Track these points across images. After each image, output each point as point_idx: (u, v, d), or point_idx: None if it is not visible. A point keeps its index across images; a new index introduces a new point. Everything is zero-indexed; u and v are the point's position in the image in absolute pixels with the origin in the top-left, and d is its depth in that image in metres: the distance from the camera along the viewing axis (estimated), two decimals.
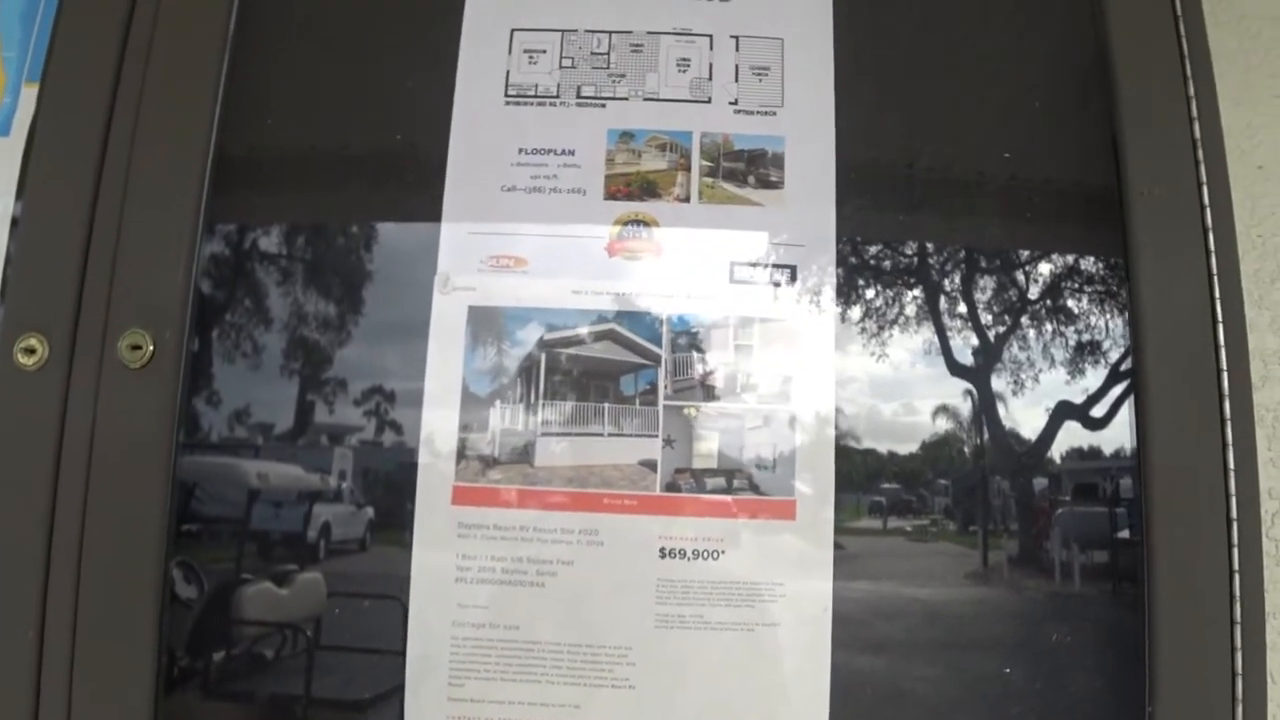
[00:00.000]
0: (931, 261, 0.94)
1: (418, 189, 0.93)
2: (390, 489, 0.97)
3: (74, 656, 0.85)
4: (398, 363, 0.90)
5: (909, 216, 0.93)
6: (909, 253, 0.93)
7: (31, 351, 0.90)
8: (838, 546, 0.87)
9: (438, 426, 0.87)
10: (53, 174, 0.94)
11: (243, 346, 0.95)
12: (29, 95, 1.00)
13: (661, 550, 0.86)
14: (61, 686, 0.84)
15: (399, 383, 0.90)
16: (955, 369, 0.92)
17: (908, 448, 0.93)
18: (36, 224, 0.93)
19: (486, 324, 0.89)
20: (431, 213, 0.91)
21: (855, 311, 0.91)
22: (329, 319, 0.94)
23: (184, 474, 0.91)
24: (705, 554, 0.86)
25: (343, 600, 0.98)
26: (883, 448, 0.90)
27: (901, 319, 0.91)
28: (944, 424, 0.93)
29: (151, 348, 0.88)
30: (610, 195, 0.91)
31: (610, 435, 0.88)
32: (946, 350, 0.94)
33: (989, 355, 0.95)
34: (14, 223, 0.96)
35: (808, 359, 0.89)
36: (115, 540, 0.85)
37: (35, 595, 0.85)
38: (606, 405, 0.88)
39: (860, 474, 0.89)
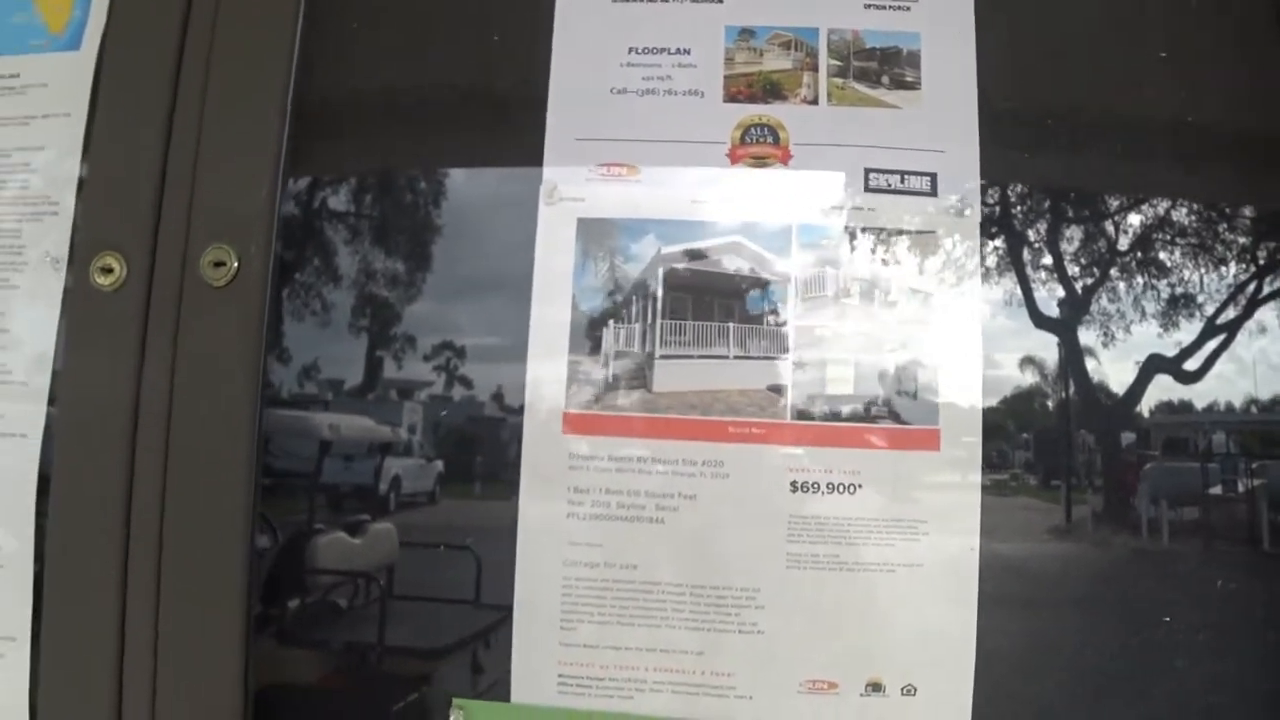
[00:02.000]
0: (1083, 169, 0.84)
1: (519, 94, 0.85)
2: (487, 426, 0.90)
3: (159, 592, 0.79)
4: (502, 285, 0.81)
5: (1058, 120, 0.83)
6: (1057, 160, 0.83)
7: (109, 271, 0.84)
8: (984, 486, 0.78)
9: (546, 349, 0.80)
10: (127, 86, 0.88)
11: (329, 270, 0.88)
12: (99, 6, 0.93)
13: (793, 484, 0.78)
14: (148, 618, 0.78)
15: (505, 307, 0.82)
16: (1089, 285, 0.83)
17: (1050, 365, 0.84)
18: (111, 138, 0.87)
19: (597, 237, 0.81)
20: (535, 119, 0.83)
21: (1001, 223, 0.81)
22: (425, 235, 0.86)
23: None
24: (841, 488, 0.78)
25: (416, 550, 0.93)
26: (1032, 370, 0.81)
27: (1049, 230, 0.82)
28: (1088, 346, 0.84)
29: (236, 264, 0.81)
30: (730, 97, 0.83)
31: (736, 358, 0.79)
32: (1095, 264, 0.85)
33: (1125, 271, 0.86)
34: (88, 139, 0.89)
35: (951, 274, 0.80)
36: (201, 466, 0.79)
37: (118, 528, 0.79)
38: (731, 325, 0.80)
39: (1009, 400, 0.80)
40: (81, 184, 0.89)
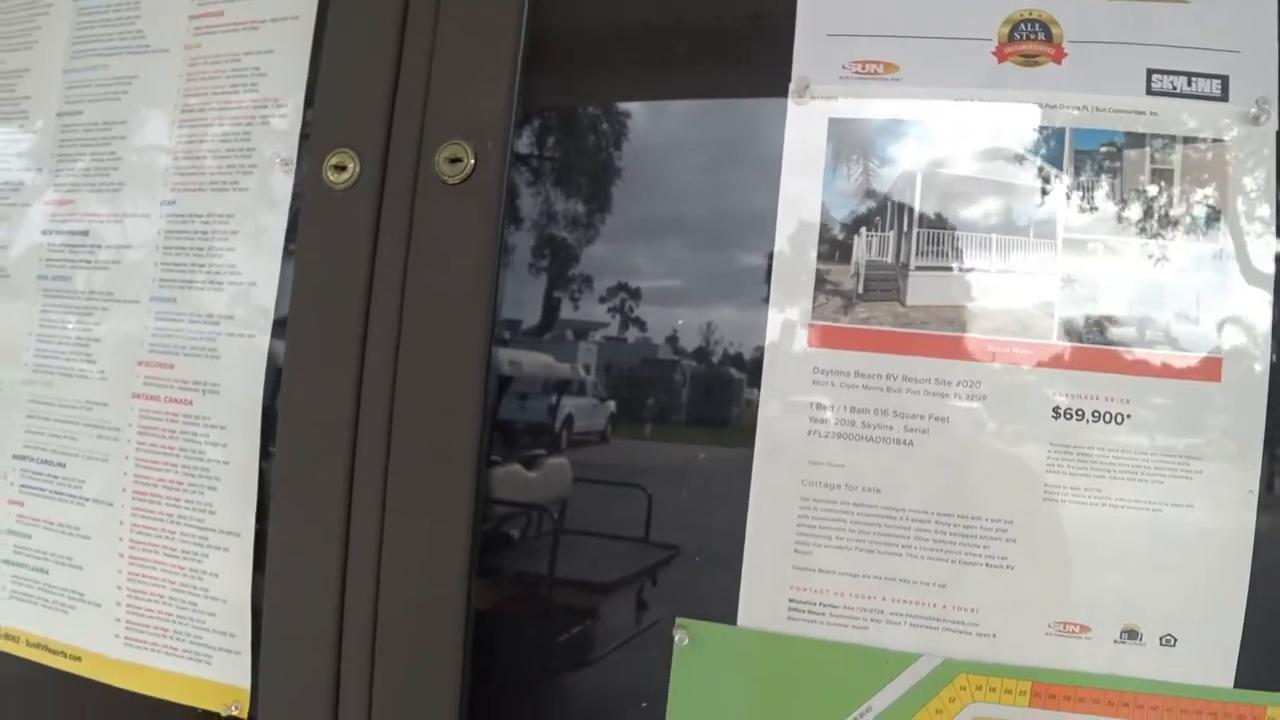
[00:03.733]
0: None
1: None
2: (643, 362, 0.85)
3: (385, 498, 0.77)
4: (747, 189, 0.76)
5: None
6: None
7: (342, 169, 0.82)
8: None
9: (793, 254, 0.74)
10: None
11: (568, 176, 0.83)
12: None
13: (1055, 410, 0.71)
14: (374, 524, 0.76)
15: (749, 215, 0.76)
16: None
17: None
18: (344, 35, 0.85)
19: (851, 139, 0.75)
20: (785, 11, 0.76)
21: None
22: (665, 132, 0.81)
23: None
24: (1108, 417, 0.71)
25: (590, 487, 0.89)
26: None
27: None
28: None
29: (473, 160, 0.78)
30: None
31: (999, 272, 0.73)
32: None
33: None
34: (317, 41, 0.87)
35: (1242, 189, 0.71)
36: (431, 369, 0.76)
37: (346, 431, 0.78)
38: (994, 236, 0.73)
39: None
40: (311, 85, 0.87)
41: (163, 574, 0.88)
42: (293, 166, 0.86)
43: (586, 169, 0.86)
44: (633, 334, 0.88)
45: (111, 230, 0.93)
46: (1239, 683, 0.72)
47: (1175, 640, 0.73)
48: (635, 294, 0.87)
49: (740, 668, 0.77)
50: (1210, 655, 0.72)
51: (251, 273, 0.87)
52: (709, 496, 0.82)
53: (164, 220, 0.91)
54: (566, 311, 0.90)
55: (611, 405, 0.94)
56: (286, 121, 0.88)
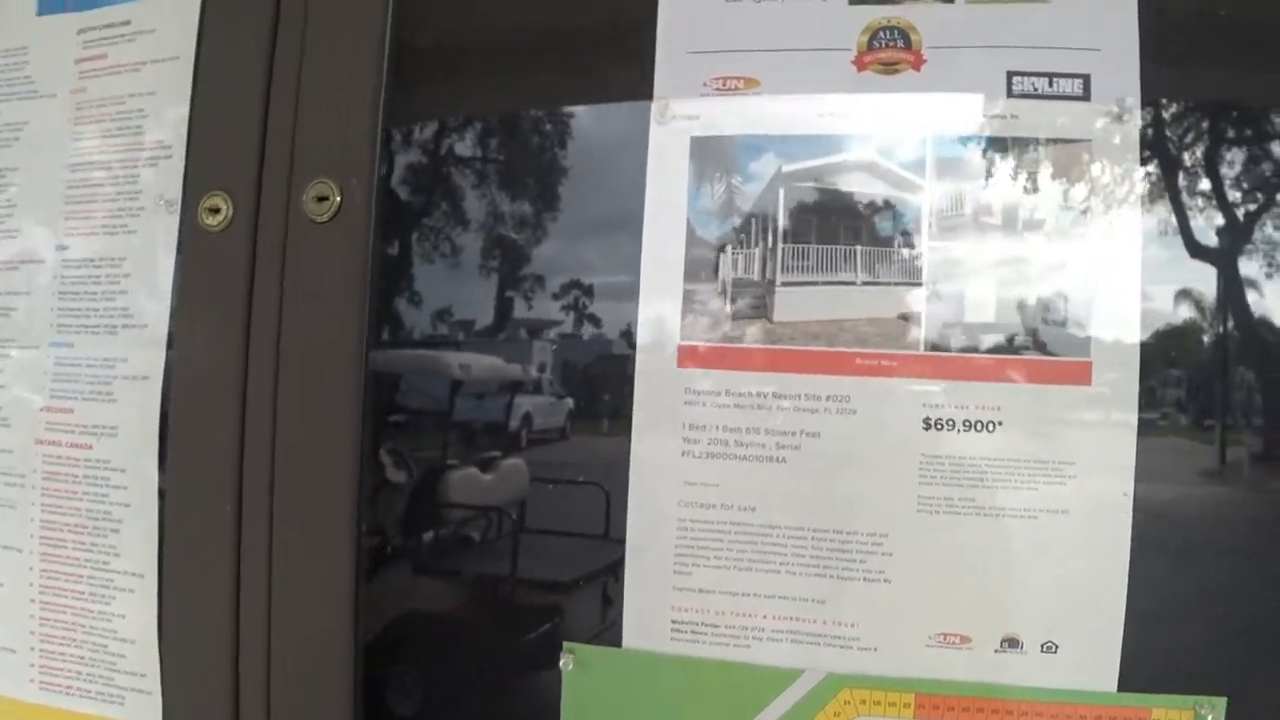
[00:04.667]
0: (1259, 72, 0.72)
1: (627, 7, 0.77)
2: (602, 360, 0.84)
3: (272, 531, 0.77)
4: (612, 211, 0.75)
5: (1230, 12, 0.71)
6: (1228, 58, 0.72)
7: (216, 211, 0.82)
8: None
9: (659, 278, 0.74)
10: (228, 25, 0.85)
11: (435, 201, 0.83)
12: None
13: (926, 421, 0.70)
14: (263, 557, 0.76)
15: (614, 234, 0.75)
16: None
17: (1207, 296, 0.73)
18: (214, 79, 0.85)
19: (713, 156, 0.74)
20: (643, 31, 0.75)
21: (1164, 129, 0.71)
22: (529, 161, 0.80)
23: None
24: (979, 425, 0.70)
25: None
26: (1193, 300, 0.71)
27: (1220, 140, 0.70)
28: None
29: (339, 198, 0.78)
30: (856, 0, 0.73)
31: (864, 284, 0.72)
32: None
33: None
34: (195, 81, 0.86)
35: (1106, 189, 0.70)
36: (310, 403, 0.77)
37: (231, 468, 0.78)
38: (859, 248, 0.72)
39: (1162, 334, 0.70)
40: (190, 126, 0.87)
41: (73, 618, 0.88)
42: (178, 208, 0.86)
43: (455, 189, 0.86)
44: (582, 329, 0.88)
45: (9, 276, 0.93)
46: (1122, 686, 0.71)
47: (1056, 647, 0.71)
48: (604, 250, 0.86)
49: (627, 690, 0.76)
50: (1092, 660, 0.71)
51: (143, 315, 0.87)
52: None
53: (60, 265, 0.91)
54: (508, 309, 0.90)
55: (569, 402, 0.94)
56: (171, 163, 0.88)
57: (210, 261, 0.80)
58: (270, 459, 0.77)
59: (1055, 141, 0.73)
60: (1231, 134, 0.80)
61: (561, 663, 0.76)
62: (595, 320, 0.88)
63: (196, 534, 0.80)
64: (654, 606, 0.74)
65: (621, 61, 0.78)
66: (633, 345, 0.74)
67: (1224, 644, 0.76)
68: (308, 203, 0.78)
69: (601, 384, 0.88)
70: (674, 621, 0.74)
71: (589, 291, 0.87)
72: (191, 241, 0.82)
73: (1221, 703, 0.70)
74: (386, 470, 0.92)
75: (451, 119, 0.84)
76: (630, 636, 0.75)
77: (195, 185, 0.83)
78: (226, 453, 0.79)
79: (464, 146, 0.89)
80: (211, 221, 0.81)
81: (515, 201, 0.89)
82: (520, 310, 0.91)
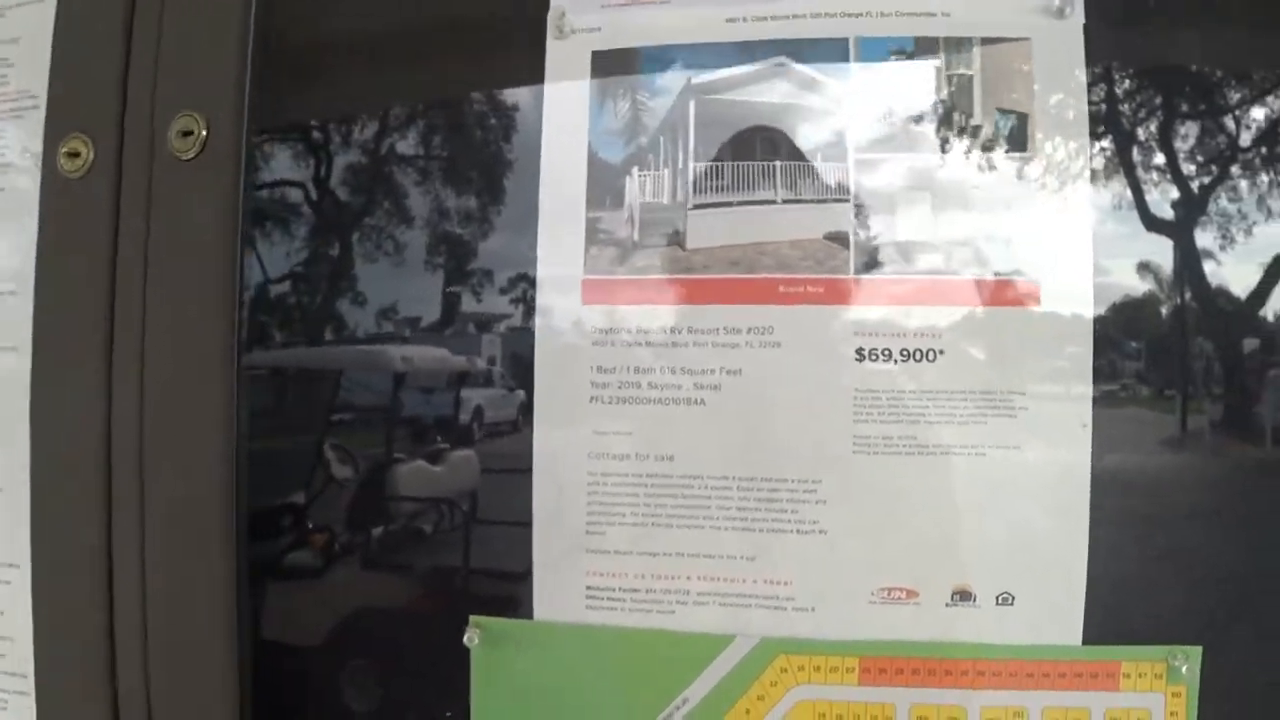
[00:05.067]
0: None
1: None
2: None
3: (143, 508, 0.69)
4: (504, 140, 0.68)
5: None
6: None
7: (75, 155, 0.74)
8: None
9: (558, 205, 0.66)
10: None
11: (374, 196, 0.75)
12: None
13: (859, 351, 0.63)
14: (134, 538, 0.69)
15: (506, 167, 0.68)
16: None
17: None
18: (73, 16, 0.76)
19: (616, 70, 0.66)
20: None
21: (1115, 28, 0.64)
22: (412, 79, 0.73)
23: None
24: (918, 354, 0.63)
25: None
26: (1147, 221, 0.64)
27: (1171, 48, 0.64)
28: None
29: (204, 131, 0.70)
30: None
31: (785, 203, 0.64)
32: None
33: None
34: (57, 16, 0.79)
35: (1048, 93, 0.63)
36: (180, 351, 0.68)
37: (99, 435, 0.69)
38: (778, 164, 0.65)
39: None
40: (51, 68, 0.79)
41: None
42: (40, 158, 0.78)
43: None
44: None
45: None
46: (1087, 639, 0.64)
47: (1013, 598, 0.64)
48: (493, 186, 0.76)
49: (542, 665, 0.68)
50: (1053, 612, 0.63)
51: (10, 280, 0.79)
52: None
53: None
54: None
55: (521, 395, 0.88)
56: (36, 113, 0.80)
57: (70, 211, 0.72)
58: (139, 427, 0.69)
59: (991, 41, 0.66)
60: (1183, 48, 0.74)
61: (466, 638, 0.69)
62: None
63: (64, 518, 0.73)
64: (565, 572, 0.66)
65: None
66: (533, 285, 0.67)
67: (1198, 591, 0.69)
68: (172, 139, 0.70)
69: None
70: (589, 588, 0.66)
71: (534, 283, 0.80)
72: (50, 190, 0.73)
73: (1196, 652, 0.63)
74: (331, 467, 0.85)
75: (329, 44, 0.76)
76: (542, 607, 0.67)
77: (54, 130, 0.74)
78: (92, 422, 0.71)
79: (338, 74, 0.81)
80: (71, 167, 0.73)
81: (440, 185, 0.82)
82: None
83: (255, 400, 0.76)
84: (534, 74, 0.68)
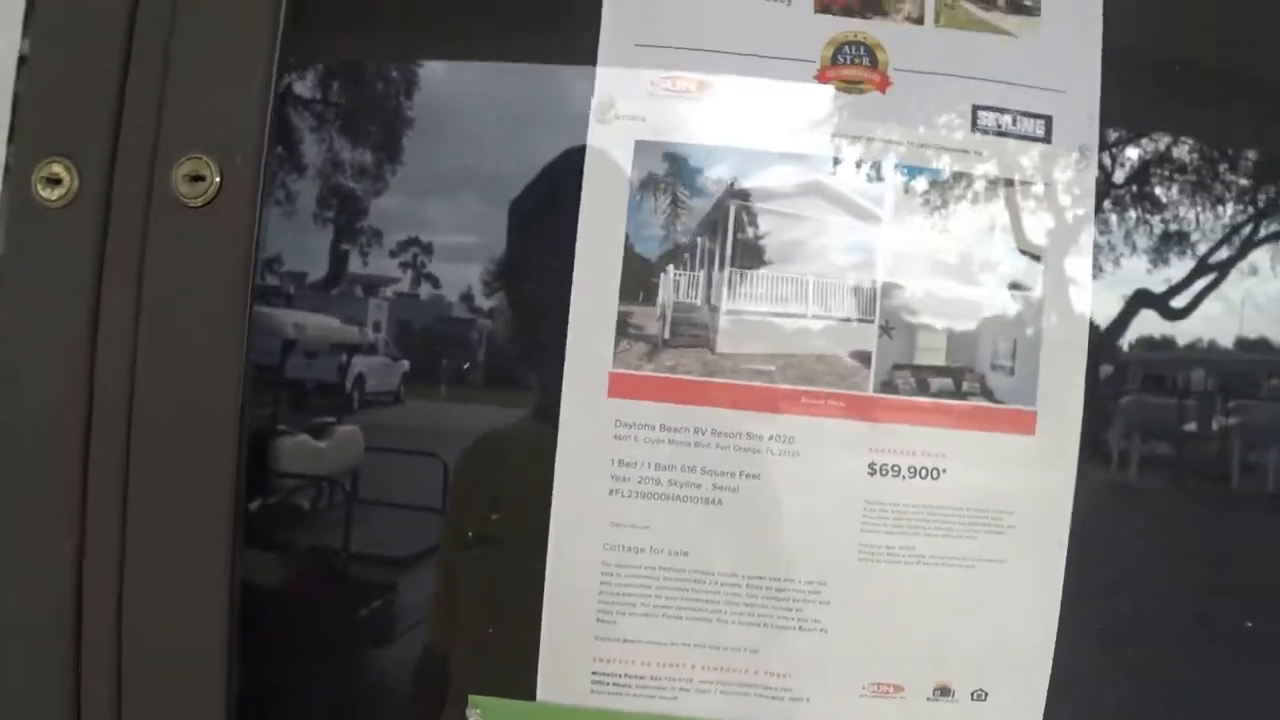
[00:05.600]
0: (1217, 116, 0.71)
1: None
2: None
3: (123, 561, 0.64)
4: (551, 212, 0.66)
5: (1194, 60, 0.69)
6: (1188, 106, 0.70)
7: (56, 182, 0.66)
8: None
9: (592, 295, 0.65)
10: None
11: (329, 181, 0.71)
12: None
13: (871, 466, 0.66)
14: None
15: (548, 237, 0.66)
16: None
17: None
18: (57, 18, 0.68)
19: (659, 164, 0.66)
20: (587, 19, 0.66)
21: (1123, 177, 0.68)
22: (455, 152, 0.70)
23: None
24: (924, 472, 0.66)
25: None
26: (1146, 354, 0.69)
27: (1182, 187, 0.69)
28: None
29: (218, 179, 0.64)
30: (822, 8, 0.68)
31: (814, 318, 0.66)
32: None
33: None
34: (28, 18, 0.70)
35: (1062, 237, 0.67)
36: (177, 443, 0.63)
37: (75, 493, 0.63)
38: (811, 278, 0.66)
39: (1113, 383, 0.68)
40: (21, 72, 0.71)
41: None
42: None
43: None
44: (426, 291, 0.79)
45: None
46: None
47: (986, 694, 0.70)
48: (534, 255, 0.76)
49: None
50: (1019, 705, 0.70)
51: None
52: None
53: None
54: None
55: (405, 364, 0.87)
56: None
57: (47, 245, 0.64)
58: (122, 513, 0.64)
59: (1015, 183, 0.70)
60: (1183, 184, 0.80)
61: (470, 714, 0.68)
62: (434, 280, 0.80)
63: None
64: (574, 656, 0.67)
65: (562, 47, 0.69)
66: (474, 308, 0.67)
67: (1143, 687, 0.77)
68: (178, 181, 0.65)
69: (441, 346, 0.80)
70: (595, 673, 0.67)
71: (428, 250, 0.80)
72: (22, 218, 0.65)
73: None
74: None
75: (357, 84, 0.71)
76: (546, 688, 0.68)
77: (28, 150, 0.66)
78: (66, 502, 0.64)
79: (364, 121, 0.77)
80: (50, 195, 0.65)
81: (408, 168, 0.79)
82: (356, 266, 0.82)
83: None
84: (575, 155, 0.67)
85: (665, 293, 0.67)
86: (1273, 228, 0.76)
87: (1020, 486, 0.69)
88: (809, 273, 0.67)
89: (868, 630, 0.68)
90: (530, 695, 0.68)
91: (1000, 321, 0.68)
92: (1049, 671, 0.69)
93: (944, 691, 0.70)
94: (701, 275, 0.67)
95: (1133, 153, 0.73)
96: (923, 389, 0.68)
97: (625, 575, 0.67)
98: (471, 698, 0.69)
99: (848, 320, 0.67)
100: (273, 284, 0.81)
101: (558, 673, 0.68)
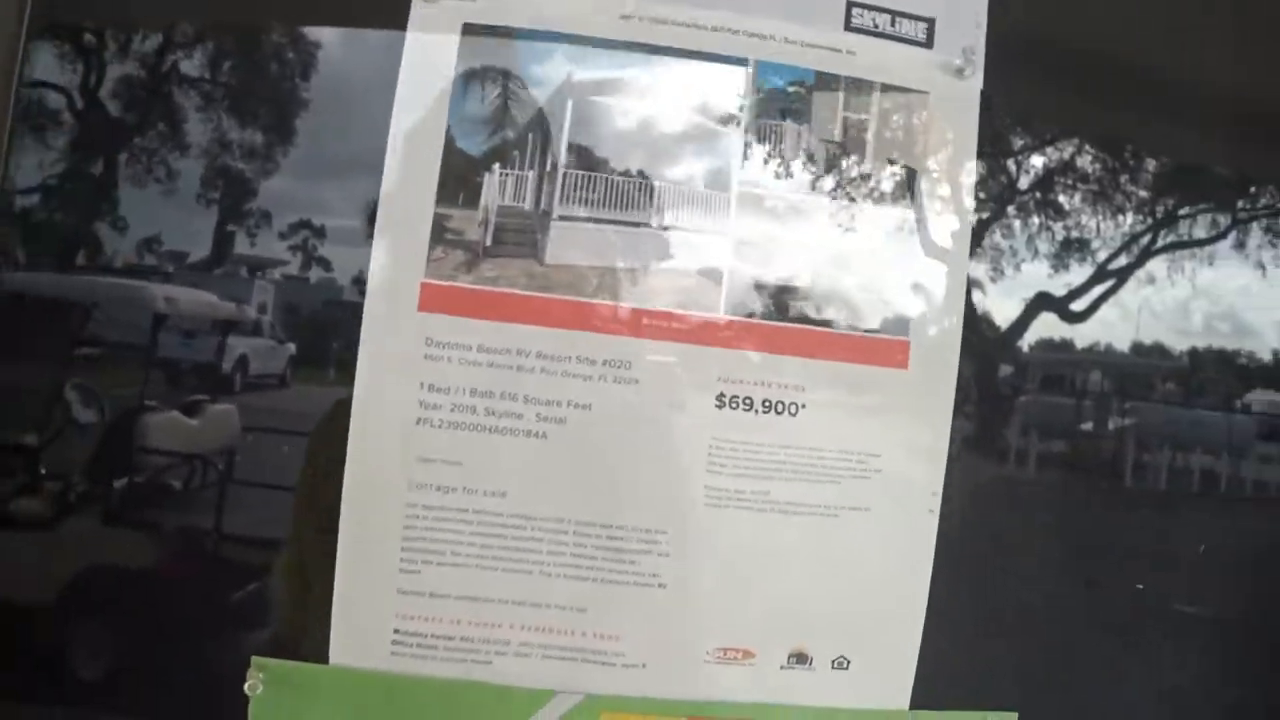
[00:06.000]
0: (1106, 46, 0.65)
1: None
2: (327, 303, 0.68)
3: None
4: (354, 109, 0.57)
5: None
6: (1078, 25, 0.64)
7: None
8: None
9: (405, 195, 0.56)
10: None
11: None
12: None
13: (720, 398, 0.58)
14: None
15: (352, 139, 0.58)
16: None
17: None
18: None
19: (487, 51, 0.57)
20: None
21: (1008, 92, 0.62)
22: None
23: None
24: (780, 407, 0.58)
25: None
26: (1030, 286, 0.63)
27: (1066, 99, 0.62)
28: None
29: None
30: None
31: (660, 228, 0.58)
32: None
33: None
34: None
35: (940, 149, 0.60)
36: None
37: None
38: (657, 184, 0.58)
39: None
40: None
41: None
42: None
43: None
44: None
45: None
46: (915, 703, 0.63)
47: (848, 662, 0.61)
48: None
49: (336, 717, 0.60)
50: (885, 676, 0.62)
51: None
52: None
53: None
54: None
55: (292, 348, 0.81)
56: None
57: None
58: None
59: (891, 89, 0.63)
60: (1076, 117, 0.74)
61: (248, 685, 0.59)
62: (325, 263, 0.73)
63: None
64: (372, 613, 0.57)
65: None
66: (363, 285, 0.58)
67: (1016, 658, 0.70)
68: None
69: (330, 330, 0.73)
70: (397, 631, 0.57)
71: (320, 233, 0.75)
72: None
73: (1012, 717, 0.65)
74: (73, 408, 0.73)
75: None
76: (340, 650, 0.58)
77: None
78: None
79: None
80: None
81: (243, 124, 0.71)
82: (242, 244, 0.76)
83: None
84: (393, 38, 0.59)
85: (489, 194, 0.58)
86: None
87: (890, 426, 0.61)
88: (655, 176, 0.59)
89: (713, 587, 0.59)
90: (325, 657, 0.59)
91: (871, 238, 0.61)
92: (919, 639, 0.62)
93: (800, 658, 0.61)
94: (531, 176, 0.58)
95: (1017, 65, 0.66)
96: (781, 312, 0.60)
97: (433, 519, 0.57)
98: (255, 659, 0.58)
99: (699, 232, 0.60)
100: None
101: (353, 632, 0.58)
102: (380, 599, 0.57)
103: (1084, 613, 0.69)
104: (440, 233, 0.57)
